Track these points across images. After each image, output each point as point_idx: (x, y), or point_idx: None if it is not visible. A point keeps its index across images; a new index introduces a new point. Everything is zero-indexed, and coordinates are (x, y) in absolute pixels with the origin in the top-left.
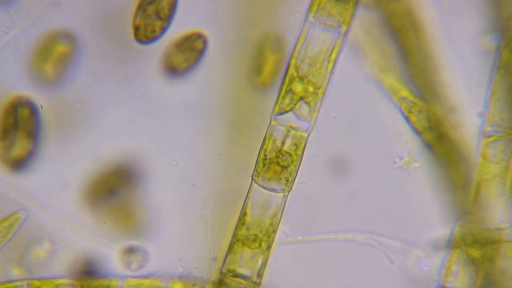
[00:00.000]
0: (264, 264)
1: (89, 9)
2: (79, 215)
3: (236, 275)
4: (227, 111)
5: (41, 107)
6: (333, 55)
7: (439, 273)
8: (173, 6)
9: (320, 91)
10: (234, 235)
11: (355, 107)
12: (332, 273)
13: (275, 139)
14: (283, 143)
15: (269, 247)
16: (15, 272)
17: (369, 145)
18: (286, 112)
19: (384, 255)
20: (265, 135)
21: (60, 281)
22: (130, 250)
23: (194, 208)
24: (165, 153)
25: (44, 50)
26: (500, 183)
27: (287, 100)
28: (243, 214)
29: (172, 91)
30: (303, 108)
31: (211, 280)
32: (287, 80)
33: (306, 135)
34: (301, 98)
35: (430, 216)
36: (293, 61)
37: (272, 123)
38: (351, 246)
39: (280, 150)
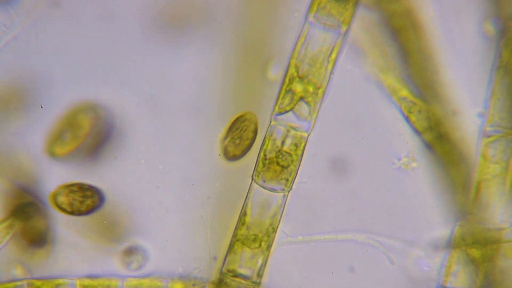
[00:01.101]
0: (264, 264)
1: None
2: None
3: (236, 275)
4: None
5: (41, 107)
6: (333, 55)
7: (439, 273)
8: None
9: (320, 91)
10: (234, 235)
11: (355, 107)
12: (332, 273)
13: (275, 139)
14: (283, 143)
15: (269, 247)
16: (16, 272)
17: (369, 145)
18: (286, 112)
19: (384, 255)
20: (265, 135)
21: (60, 281)
22: (130, 250)
23: (194, 208)
24: (165, 154)
25: None
26: (500, 183)
27: (287, 100)
28: (243, 214)
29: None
30: (303, 108)
31: (211, 280)
32: (287, 80)
33: (306, 135)
34: (301, 98)
35: (430, 216)
36: (293, 61)
37: (272, 123)
38: (351, 246)
39: (280, 150)
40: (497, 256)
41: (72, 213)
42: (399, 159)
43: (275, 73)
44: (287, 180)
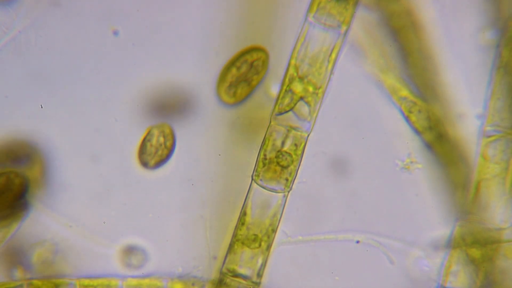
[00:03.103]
0: (264, 264)
1: None
2: (80, 215)
3: (236, 275)
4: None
5: (41, 107)
6: (333, 55)
7: (439, 273)
8: None
9: (320, 91)
10: (234, 235)
11: (355, 107)
12: (332, 273)
13: (275, 139)
14: (283, 143)
15: (269, 247)
16: (16, 272)
17: (369, 145)
18: (286, 112)
19: (384, 255)
20: (265, 135)
21: (60, 281)
22: (130, 250)
23: (194, 208)
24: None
25: None
26: (500, 183)
27: (287, 100)
28: (243, 214)
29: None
30: (303, 108)
31: (211, 280)
32: (287, 80)
33: (306, 135)
34: (301, 98)
35: (430, 216)
36: (293, 61)
37: (272, 123)
38: (351, 246)
39: (280, 150)
40: (497, 256)
41: None
42: (403, 160)
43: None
44: (287, 180)
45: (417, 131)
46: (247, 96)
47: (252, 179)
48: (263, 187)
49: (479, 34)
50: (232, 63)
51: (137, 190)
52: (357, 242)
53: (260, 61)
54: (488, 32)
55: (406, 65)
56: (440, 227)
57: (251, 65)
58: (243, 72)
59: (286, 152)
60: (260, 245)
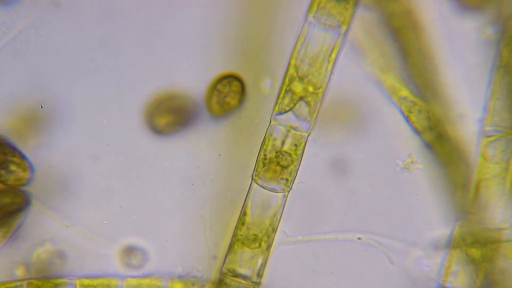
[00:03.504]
0: (264, 264)
1: None
2: (79, 215)
3: (236, 275)
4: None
5: (41, 107)
6: (333, 55)
7: (439, 273)
8: None
9: (320, 91)
10: (234, 235)
11: (355, 107)
12: (332, 273)
13: (275, 139)
14: (283, 143)
15: (269, 247)
16: (16, 272)
17: (369, 145)
18: (286, 112)
19: (384, 255)
20: (265, 135)
21: (60, 281)
22: (130, 250)
23: (194, 208)
24: (165, 154)
25: None
26: (500, 183)
27: (287, 100)
28: (243, 214)
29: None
30: (303, 108)
31: (211, 280)
32: (287, 80)
33: (306, 135)
34: (301, 98)
35: (430, 216)
36: (293, 61)
37: (272, 123)
38: (351, 246)
39: (280, 150)
40: (497, 256)
41: None
42: (403, 160)
43: (269, 87)
44: (287, 180)
45: (417, 131)
46: (215, 112)
47: (252, 179)
48: (263, 187)
49: (480, 32)
50: (221, 79)
51: (137, 189)
52: (359, 238)
53: (234, 102)
54: (488, 30)
55: (406, 65)
56: (440, 227)
57: (230, 91)
58: (220, 90)
59: (286, 152)
60: (260, 245)
